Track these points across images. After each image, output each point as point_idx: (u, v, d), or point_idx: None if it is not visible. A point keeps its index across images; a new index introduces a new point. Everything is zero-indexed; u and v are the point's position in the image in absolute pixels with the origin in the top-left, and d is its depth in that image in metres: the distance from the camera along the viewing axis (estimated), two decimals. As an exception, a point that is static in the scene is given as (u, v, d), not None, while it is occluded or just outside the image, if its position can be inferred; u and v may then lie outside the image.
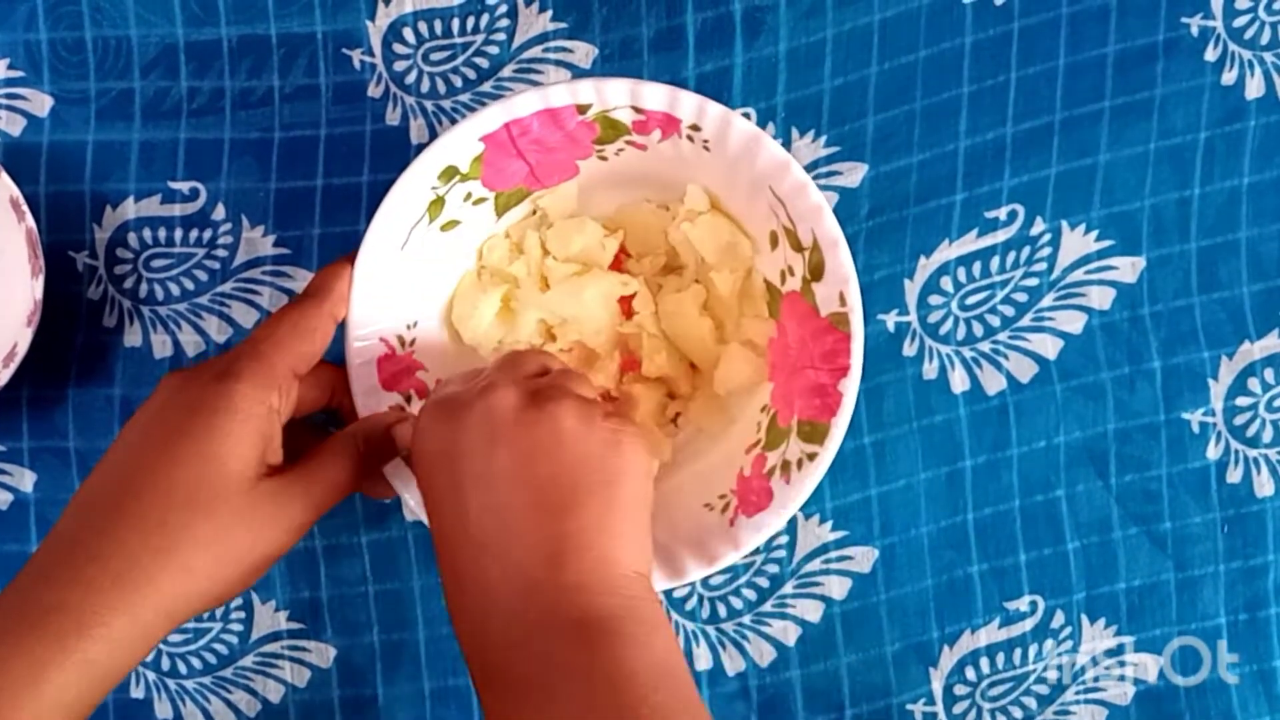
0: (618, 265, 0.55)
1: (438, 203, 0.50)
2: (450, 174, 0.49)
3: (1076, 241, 0.58)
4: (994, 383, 0.58)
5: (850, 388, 0.49)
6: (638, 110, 0.49)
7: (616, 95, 0.48)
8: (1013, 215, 0.58)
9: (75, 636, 0.42)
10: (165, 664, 0.57)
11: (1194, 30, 0.58)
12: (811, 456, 0.49)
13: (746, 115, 0.57)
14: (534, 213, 0.55)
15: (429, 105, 0.57)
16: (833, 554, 0.58)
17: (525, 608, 0.41)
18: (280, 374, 0.46)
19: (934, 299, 0.58)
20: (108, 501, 0.44)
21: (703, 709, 0.41)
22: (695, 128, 0.49)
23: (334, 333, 0.49)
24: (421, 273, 0.52)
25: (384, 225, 0.49)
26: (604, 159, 0.52)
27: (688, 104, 0.48)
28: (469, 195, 0.51)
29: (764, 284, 0.54)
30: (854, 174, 0.58)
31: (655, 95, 0.48)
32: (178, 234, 0.57)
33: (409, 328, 0.52)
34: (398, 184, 0.49)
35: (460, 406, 0.44)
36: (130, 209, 0.57)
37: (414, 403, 0.52)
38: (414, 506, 0.50)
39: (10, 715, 0.41)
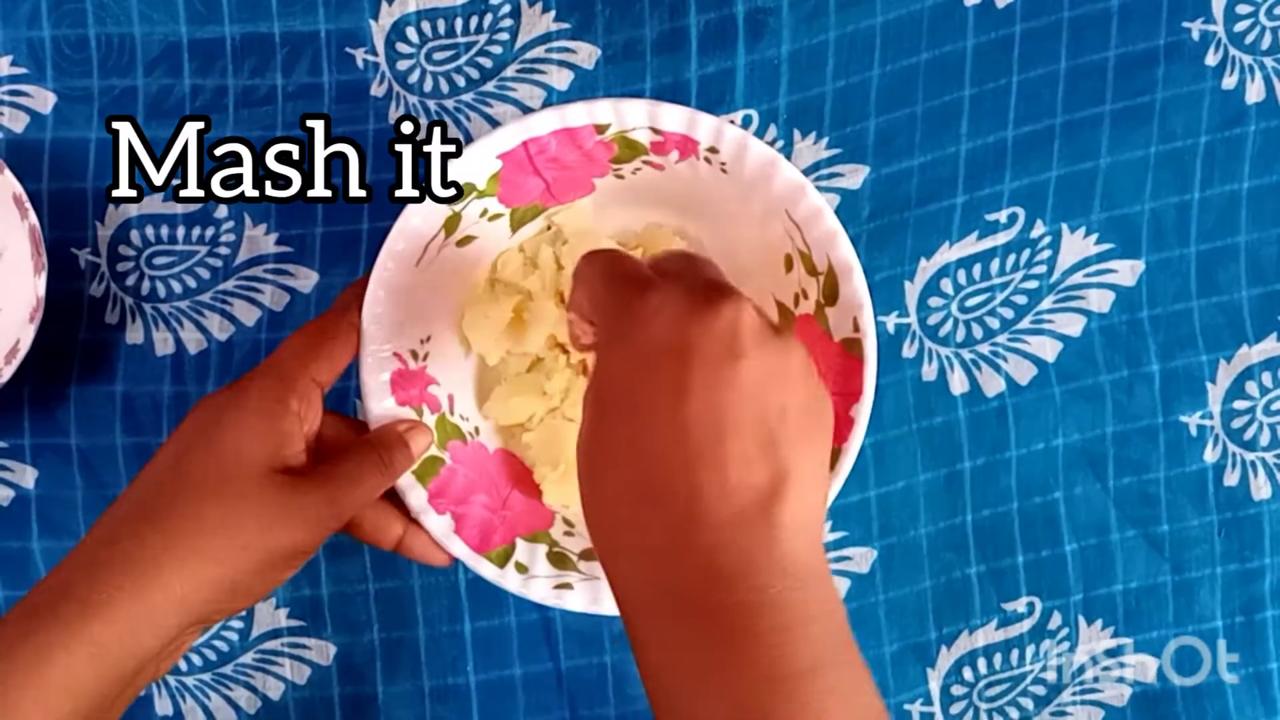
0: None
1: (454, 218, 0.50)
2: (467, 190, 0.49)
3: (1076, 244, 0.58)
4: (993, 385, 0.58)
5: (863, 413, 0.49)
6: (656, 131, 0.49)
7: (635, 116, 0.48)
8: (1013, 218, 0.58)
9: (80, 619, 0.42)
10: (165, 660, 0.57)
11: (1195, 35, 0.58)
12: None
13: (748, 117, 0.57)
14: (549, 228, 0.55)
15: (432, 105, 0.57)
16: (831, 554, 0.58)
17: (733, 537, 0.37)
18: (295, 376, 0.47)
19: (934, 301, 0.58)
20: (131, 501, 0.45)
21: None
22: (713, 150, 0.49)
23: (356, 344, 0.49)
24: (436, 287, 0.52)
25: (400, 241, 0.49)
26: (620, 178, 0.52)
27: (706, 126, 0.48)
28: (485, 211, 0.51)
29: (777, 307, 0.54)
30: (855, 176, 0.58)
31: (673, 117, 0.48)
32: (180, 232, 0.57)
33: (423, 342, 0.52)
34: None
35: (701, 306, 0.38)
36: (133, 206, 0.57)
37: (425, 416, 0.52)
38: (415, 507, 0.50)
39: (14, 698, 0.41)
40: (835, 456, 0.49)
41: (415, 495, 0.50)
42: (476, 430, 0.54)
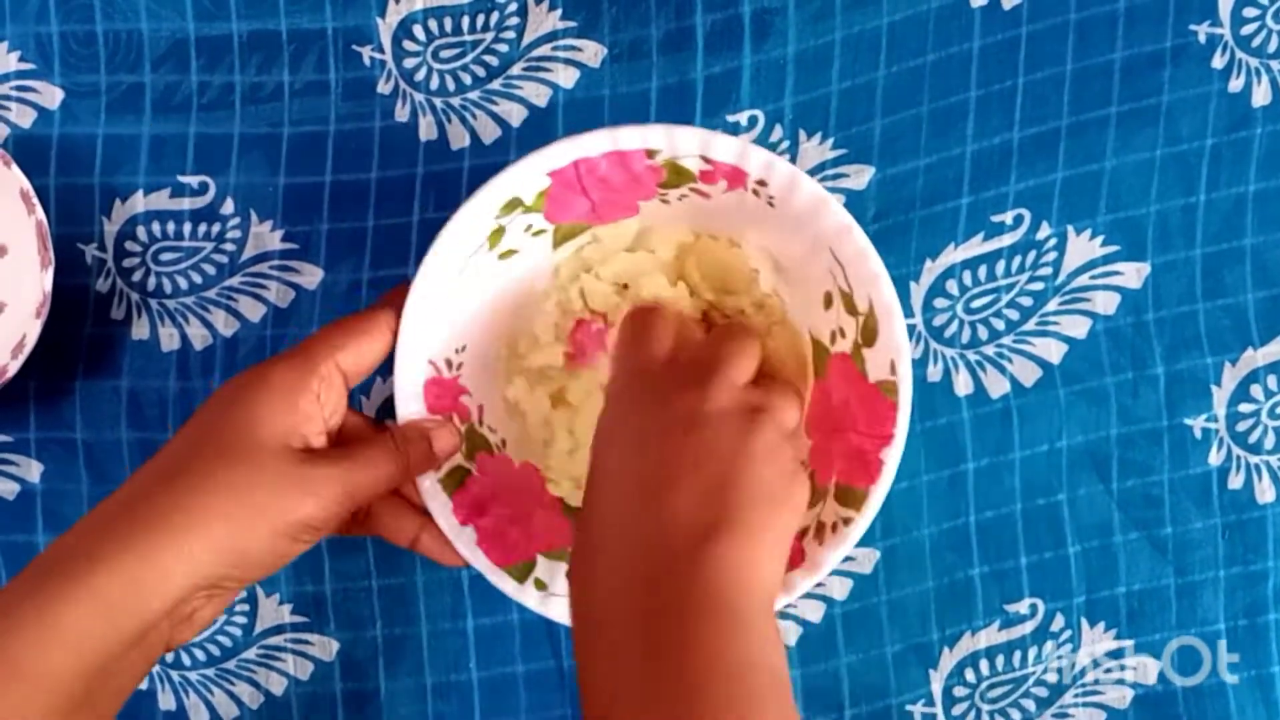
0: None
1: (498, 232, 0.50)
2: (514, 205, 0.49)
3: (1082, 246, 0.58)
4: (998, 386, 0.58)
5: (893, 457, 0.49)
6: (706, 160, 0.48)
7: (687, 144, 0.48)
8: (1019, 220, 0.58)
9: (86, 572, 0.42)
10: (169, 655, 0.58)
11: (1201, 37, 0.58)
12: (847, 521, 0.49)
13: (754, 118, 0.57)
14: (585, 247, 0.54)
15: (438, 102, 0.57)
16: (834, 555, 0.58)
17: (666, 569, 0.43)
18: (319, 359, 0.47)
19: (939, 302, 0.58)
20: (150, 470, 0.45)
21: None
22: (762, 183, 0.49)
23: (389, 343, 0.50)
24: (474, 298, 0.52)
25: (444, 250, 0.49)
26: (666, 203, 0.52)
27: (757, 159, 0.48)
28: (529, 227, 0.51)
29: (812, 344, 0.53)
30: (860, 177, 0.58)
31: (726, 147, 0.48)
32: (186, 228, 0.57)
33: (457, 352, 0.52)
34: (461, 210, 0.49)
35: (686, 380, 0.47)
36: (139, 202, 0.57)
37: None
38: (438, 516, 0.50)
39: (15, 651, 0.41)
40: (861, 498, 0.49)
41: (439, 504, 0.50)
42: (504, 443, 0.54)
